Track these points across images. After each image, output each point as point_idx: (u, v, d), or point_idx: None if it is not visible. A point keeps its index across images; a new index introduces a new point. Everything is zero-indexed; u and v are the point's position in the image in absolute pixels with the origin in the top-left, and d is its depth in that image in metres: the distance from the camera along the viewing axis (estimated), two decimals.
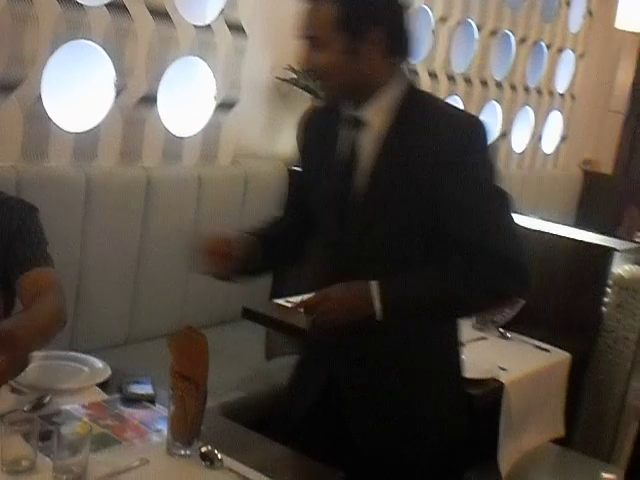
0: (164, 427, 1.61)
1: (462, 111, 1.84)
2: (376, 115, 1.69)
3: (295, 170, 3.41)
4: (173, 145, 3.01)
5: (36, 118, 2.56)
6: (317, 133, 1.84)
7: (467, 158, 1.64)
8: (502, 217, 1.68)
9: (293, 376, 1.97)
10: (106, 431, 1.60)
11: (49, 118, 2.60)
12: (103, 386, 1.81)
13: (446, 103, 1.83)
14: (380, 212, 1.70)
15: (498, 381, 2.29)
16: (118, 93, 2.76)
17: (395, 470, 1.79)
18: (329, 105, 1.82)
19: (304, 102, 3.41)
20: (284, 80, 3.38)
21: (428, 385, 1.80)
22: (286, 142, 3.49)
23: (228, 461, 1.53)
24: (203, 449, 1.55)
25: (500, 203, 1.68)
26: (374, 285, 1.64)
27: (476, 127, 1.67)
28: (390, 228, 1.70)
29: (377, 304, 1.63)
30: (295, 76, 3.37)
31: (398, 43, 1.69)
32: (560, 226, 3.21)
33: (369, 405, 1.80)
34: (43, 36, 2.50)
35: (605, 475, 2.51)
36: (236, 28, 3.10)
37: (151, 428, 1.65)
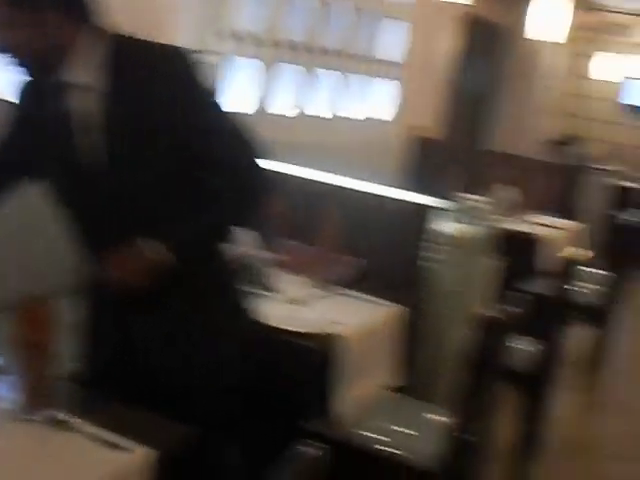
0: (13, 394, 1.62)
1: (168, 45, 1.92)
2: (86, 75, 1.77)
3: None
4: None
5: None
6: (28, 106, 1.90)
7: (187, 85, 1.81)
8: (233, 129, 1.88)
9: (83, 332, 2.03)
10: None
11: None
12: None
13: (153, 42, 1.90)
14: (127, 162, 1.81)
15: (334, 335, 2.43)
16: None
17: (210, 413, 1.91)
18: (35, 78, 1.85)
19: None
20: None
21: (210, 323, 1.96)
22: None
23: (78, 423, 1.58)
24: (53, 413, 1.58)
25: (225, 117, 1.89)
26: (152, 243, 1.77)
27: (183, 56, 1.83)
28: (138, 172, 1.81)
29: (166, 254, 1.77)
30: None
31: (77, 6, 1.77)
32: (392, 189, 3.40)
33: (163, 348, 1.91)
34: None
35: (436, 417, 2.72)
36: None
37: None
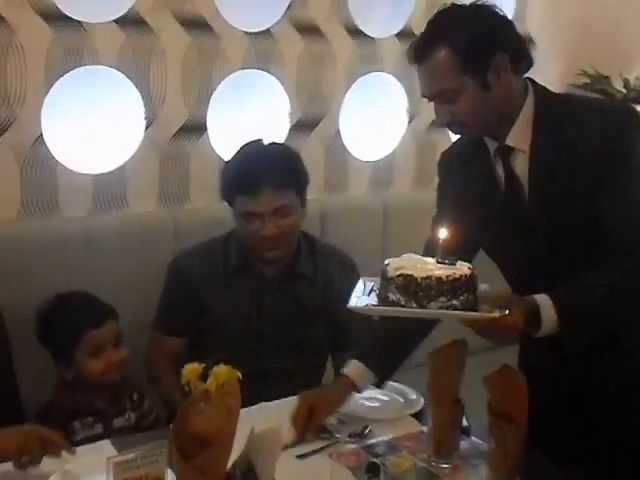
0: (481, 462, 1.60)
1: (604, 102, 1.74)
2: (519, 136, 1.66)
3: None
4: None
5: (335, 152, 2.69)
6: (461, 172, 1.80)
7: (623, 151, 1.59)
8: None
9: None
10: (425, 465, 1.62)
11: (347, 150, 2.72)
12: (416, 416, 1.85)
13: (582, 99, 1.74)
14: (548, 225, 1.67)
15: None
16: (411, 119, 2.82)
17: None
18: (469, 140, 1.77)
19: None
20: (577, 86, 3.28)
21: None
22: None
23: None
24: None
25: None
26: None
27: (625, 116, 1.62)
28: (555, 237, 1.66)
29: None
30: (588, 81, 3.27)
31: (520, 58, 1.64)
32: None
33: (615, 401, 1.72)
34: (339, 73, 2.63)
35: None
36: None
37: (468, 462, 1.65)
